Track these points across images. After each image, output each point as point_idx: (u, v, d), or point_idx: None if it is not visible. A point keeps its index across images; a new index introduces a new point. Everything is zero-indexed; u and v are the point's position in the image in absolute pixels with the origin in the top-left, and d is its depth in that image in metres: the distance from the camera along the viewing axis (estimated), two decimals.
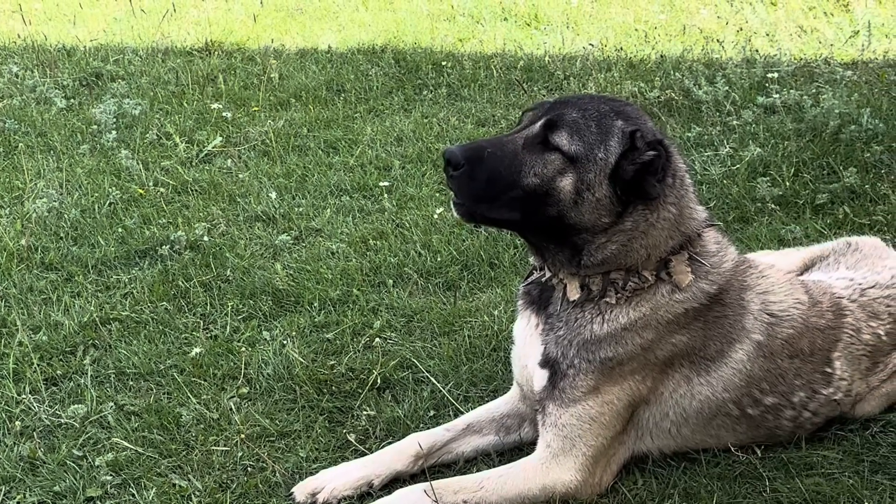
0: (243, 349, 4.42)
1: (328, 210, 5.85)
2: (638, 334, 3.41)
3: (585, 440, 3.39)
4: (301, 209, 5.88)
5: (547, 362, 3.46)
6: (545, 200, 3.30)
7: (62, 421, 3.97)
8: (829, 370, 3.66)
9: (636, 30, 9.40)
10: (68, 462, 3.73)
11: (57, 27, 10.07)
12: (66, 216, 5.76)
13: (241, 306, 4.81)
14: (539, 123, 3.36)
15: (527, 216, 3.34)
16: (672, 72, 7.82)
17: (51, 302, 4.87)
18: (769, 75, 7.46)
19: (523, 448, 3.73)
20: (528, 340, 3.59)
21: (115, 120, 7.27)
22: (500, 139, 3.40)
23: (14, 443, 3.84)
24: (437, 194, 6.04)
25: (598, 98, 3.49)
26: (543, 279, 3.55)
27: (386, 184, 6.18)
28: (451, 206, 3.47)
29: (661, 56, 8.44)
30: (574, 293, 3.44)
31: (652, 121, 3.52)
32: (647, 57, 8.49)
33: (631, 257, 3.39)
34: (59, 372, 4.31)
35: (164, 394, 4.17)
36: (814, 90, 7.13)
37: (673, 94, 7.26)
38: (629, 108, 3.47)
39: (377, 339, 4.46)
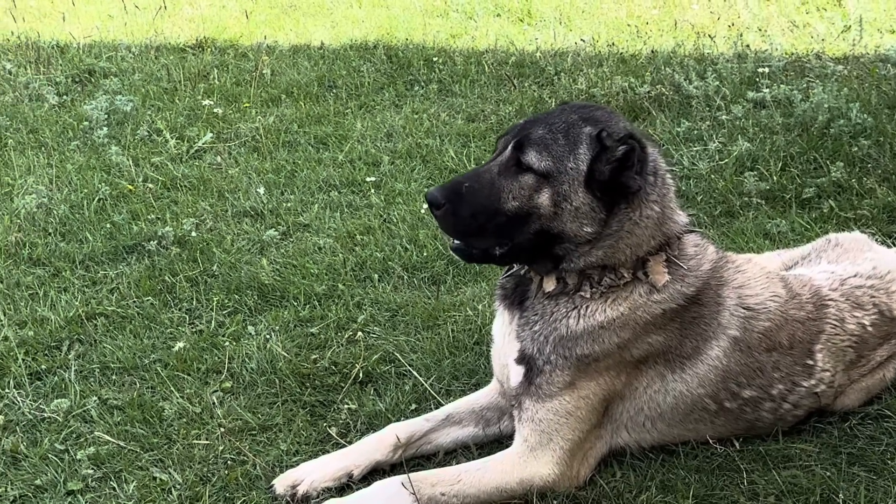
0: (227, 344, 4.44)
1: (316, 205, 5.86)
2: (616, 333, 3.42)
3: (562, 434, 3.40)
4: (289, 205, 5.89)
5: (523, 359, 3.48)
6: (528, 219, 3.37)
7: (45, 415, 3.98)
8: (810, 362, 3.67)
9: (628, 25, 9.40)
10: (50, 456, 3.75)
11: (50, 24, 10.07)
12: (55, 212, 5.77)
13: (226, 301, 4.83)
14: (509, 147, 3.42)
15: (515, 238, 3.39)
16: (663, 67, 7.83)
17: (37, 297, 4.88)
18: (760, 70, 7.46)
19: (503, 441, 3.73)
20: (506, 339, 3.61)
21: (106, 116, 7.27)
22: (477, 171, 3.48)
23: None
24: (426, 189, 6.03)
25: (569, 108, 3.52)
26: (522, 272, 3.58)
27: (374, 179, 6.19)
28: (451, 251, 3.62)
29: (653, 51, 8.43)
30: (550, 285, 3.48)
31: (626, 121, 3.55)
32: (638, 52, 8.49)
33: (615, 258, 3.42)
34: (43, 367, 4.32)
35: (147, 388, 4.18)
36: (804, 85, 7.13)
37: (663, 90, 7.25)
38: (599, 111, 3.51)
39: (360, 334, 4.46)
